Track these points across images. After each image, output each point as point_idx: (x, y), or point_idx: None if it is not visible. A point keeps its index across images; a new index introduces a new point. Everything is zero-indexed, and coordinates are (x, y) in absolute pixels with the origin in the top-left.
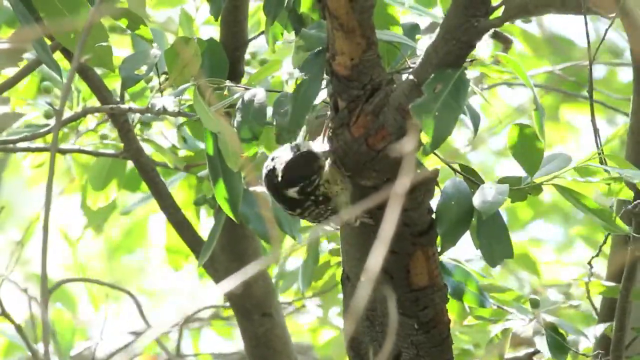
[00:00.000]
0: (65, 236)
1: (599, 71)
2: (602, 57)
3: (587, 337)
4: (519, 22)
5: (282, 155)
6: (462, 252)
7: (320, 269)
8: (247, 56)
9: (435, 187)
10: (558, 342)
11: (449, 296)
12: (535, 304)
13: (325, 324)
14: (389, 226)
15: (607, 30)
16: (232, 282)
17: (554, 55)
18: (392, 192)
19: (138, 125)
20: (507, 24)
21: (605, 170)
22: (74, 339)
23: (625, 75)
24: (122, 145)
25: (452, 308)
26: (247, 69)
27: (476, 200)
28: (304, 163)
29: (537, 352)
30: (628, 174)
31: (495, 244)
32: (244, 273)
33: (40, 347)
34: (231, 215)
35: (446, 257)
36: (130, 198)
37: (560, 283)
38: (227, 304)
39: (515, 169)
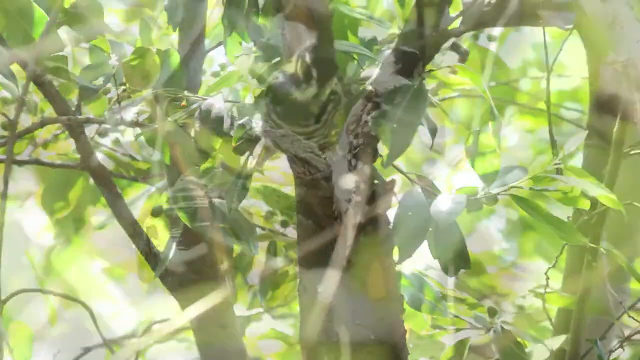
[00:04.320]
0: (26, 254)
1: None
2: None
3: (546, 345)
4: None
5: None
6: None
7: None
8: (216, 68)
9: (393, 197)
10: (516, 351)
11: (407, 306)
12: (492, 313)
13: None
14: (347, 238)
15: (564, 41)
16: (196, 309)
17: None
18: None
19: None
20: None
21: (562, 180)
22: (30, 352)
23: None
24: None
25: (410, 318)
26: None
27: (434, 211)
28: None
29: None
30: (585, 186)
31: (452, 255)
32: (208, 300)
33: None
34: (189, 225)
35: (405, 267)
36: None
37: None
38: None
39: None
